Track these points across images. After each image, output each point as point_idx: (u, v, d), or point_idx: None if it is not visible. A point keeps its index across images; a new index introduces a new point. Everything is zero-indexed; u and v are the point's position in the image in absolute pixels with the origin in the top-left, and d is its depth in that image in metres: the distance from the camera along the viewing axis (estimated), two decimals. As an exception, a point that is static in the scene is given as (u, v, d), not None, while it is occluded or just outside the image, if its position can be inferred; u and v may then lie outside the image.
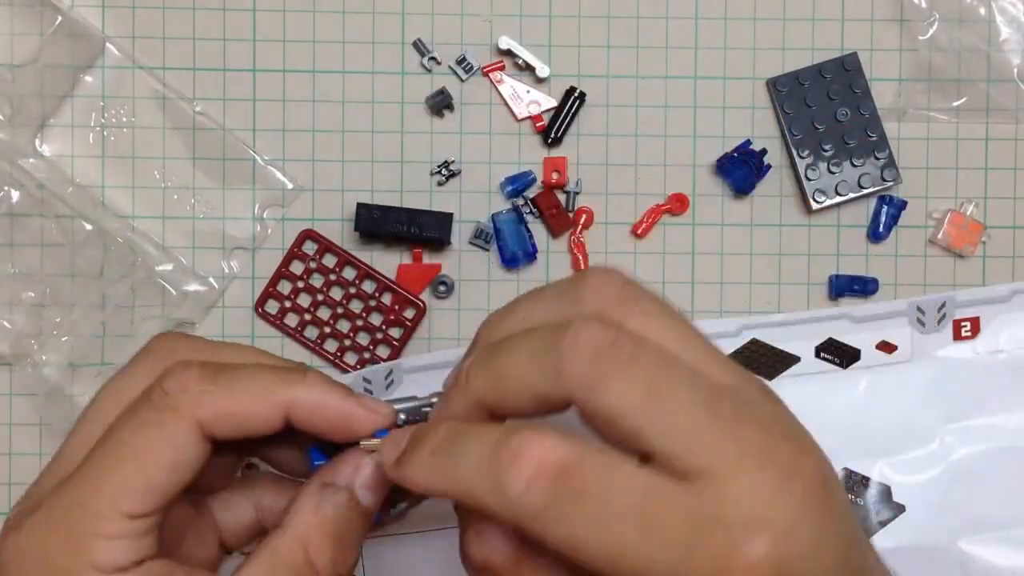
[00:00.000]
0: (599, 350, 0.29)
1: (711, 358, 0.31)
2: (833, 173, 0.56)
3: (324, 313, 0.56)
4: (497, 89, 0.56)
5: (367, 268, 0.56)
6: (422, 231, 0.55)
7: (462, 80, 0.56)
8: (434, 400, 0.35)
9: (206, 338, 0.38)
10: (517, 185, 0.56)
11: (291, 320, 0.56)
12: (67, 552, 0.32)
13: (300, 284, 0.56)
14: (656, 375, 0.29)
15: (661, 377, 0.29)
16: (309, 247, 0.56)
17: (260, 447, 0.37)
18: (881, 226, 0.56)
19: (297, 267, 0.56)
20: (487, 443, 0.30)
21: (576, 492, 0.28)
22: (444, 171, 0.56)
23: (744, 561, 0.27)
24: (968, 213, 0.56)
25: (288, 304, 0.56)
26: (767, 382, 0.34)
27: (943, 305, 0.55)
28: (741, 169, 0.55)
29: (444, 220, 0.55)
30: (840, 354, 0.55)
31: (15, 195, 0.55)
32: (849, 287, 0.56)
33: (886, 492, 0.55)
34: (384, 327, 0.56)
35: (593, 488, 0.28)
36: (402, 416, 0.35)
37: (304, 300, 0.56)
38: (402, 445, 0.32)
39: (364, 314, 0.56)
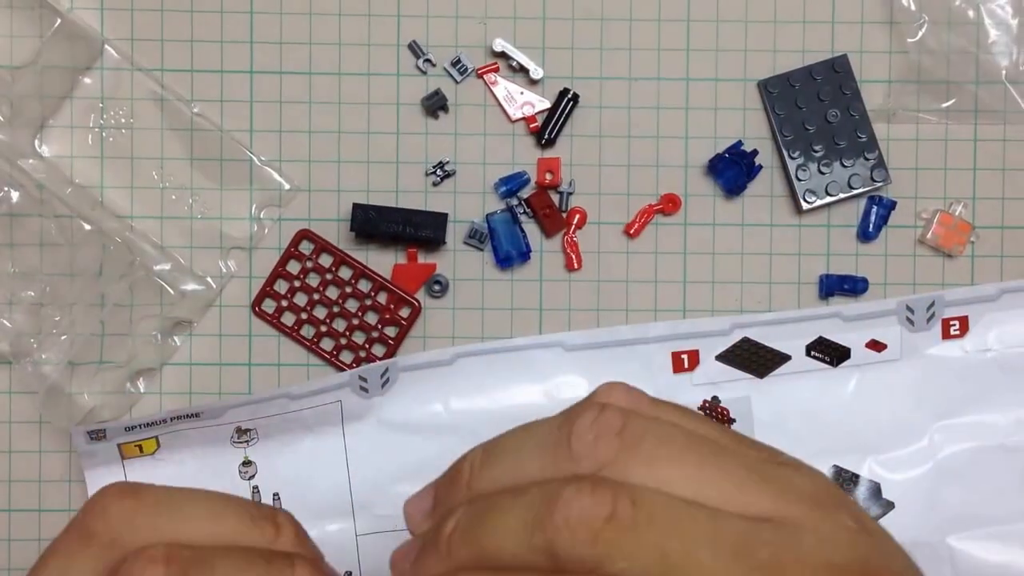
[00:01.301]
0: (595, 527, 0.25)
1: (742, 483, 0.26)
2: (823, 173, 0.56)
3: (320, 312, 0.56)
4: (491, 91, 0.56)
5: (363, 267, 0.56)
6: (417, 231, 0.55)
7: (457, 82, 0.56)
8: None
9: (154, 488, 0.30)
10: (511, 185, 0.56)
11: (288, 319, 0.57)
12: None
13: (297, 283, 0.56)
14: (668, 539, 0.25)
15: (674, 540, 0.25)
16: (305, 247, 0.56)
17: None
18: (871, 226, 0.56)
19: (294, 267, 0.56)
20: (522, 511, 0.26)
21: None
22: (439, 171, 0.56)
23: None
24: (957, 213, 0.57)
25: (285, 303, 0.56)
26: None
27: (932, 304, 0.55)
28: (732, 169, 0.56)
29: (439, 220, 0.55)
30: (830, 353, 0.55)
31: (15, 195, 0.55)
32: (839, 286, 0.57)
33: (875, 489, 0.55)
34: (379, 326, 0.56)
35: None
36: None
37: (301, 299, 0.57)
38: (409, 557, 0.29)
39: (360, 313, 0.56)
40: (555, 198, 0.56)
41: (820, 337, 0.55)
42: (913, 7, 0.56)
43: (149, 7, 0.56)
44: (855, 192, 0.56)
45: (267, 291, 0.56)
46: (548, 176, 0.56)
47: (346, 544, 0.55)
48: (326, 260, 0.56)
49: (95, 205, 0.56)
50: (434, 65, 0.56)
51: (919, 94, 0.56)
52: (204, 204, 0.56)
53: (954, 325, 0.56)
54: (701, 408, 0.56)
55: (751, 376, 0.55)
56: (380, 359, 0.56)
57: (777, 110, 0.56)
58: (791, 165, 0.56)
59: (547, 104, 0.56)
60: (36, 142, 0.56)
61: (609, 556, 0.25)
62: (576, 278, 0.57)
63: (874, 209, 0.56)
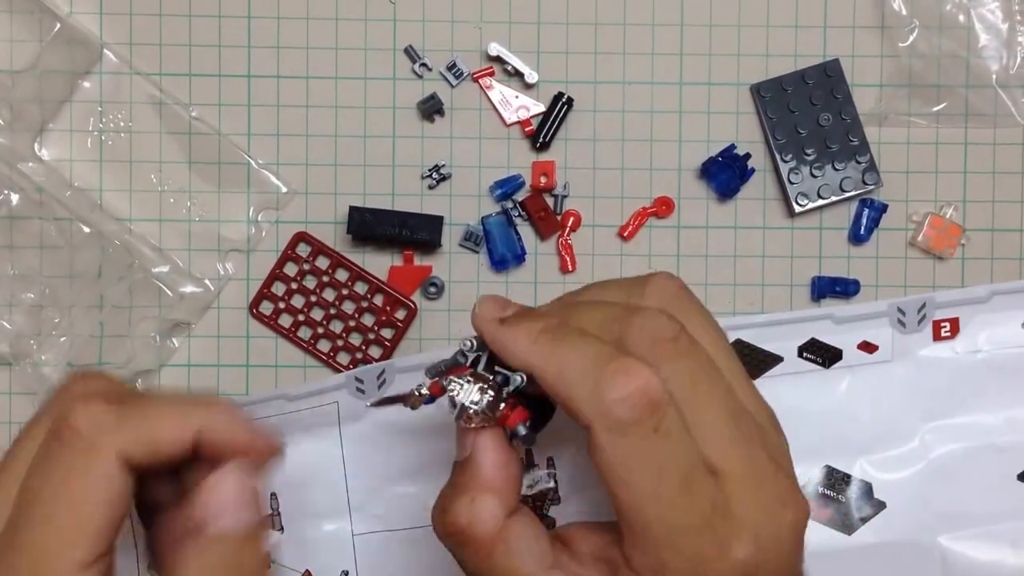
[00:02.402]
0: (662, 338, 0.34)
1: (742, 380, 0.36)
2: (815, 177, 0.56)
3: (317, 314, 0.57)
4: (487, 94, 0.57)
5: (359, 270, 0.56)
6: (413, 233, 0.55)
7: (452, 86, 0.57)
8: (461, 354, 0.38)
9: (115, 377, 0.37)
10: (506, 188, 0.56)
11: (285, 321, 0.57)
12: None
13: (294, 285, 0.57)
14: (700, 375, 0.34)
15: (703, 379, 0.34)
16: (303, 249, 0.57)
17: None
18: (862, 228, 0.57)
19: (291, 269, 0.57)
20: (601, 350, 0.33)
21: (653, 429, 0.32)
22: (435, 175, 0.56)
23: (730, 554, 0.33)
24: (947, 216, 0.57)
25: (282, 305, 0.57)
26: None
27: (923, 306, 0.55)
28: (725, 173, 0.56)
29: (435, 223, 0.55)
30: (822, 354, 0.56)
31: (15, 198, 0.55)
32: (831, 288, 0.57)
33: (867, 489, 0.56)
34: (376, 327, 0.57)
35: (665, 433, 0.32)
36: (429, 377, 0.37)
37: (298, 301, 0.57)
38: (506, 311, 0.36)
39: (356, 315, 0.57)
40: (550, 201, 0.57)
41: (812, 339, 0.55)
42: (904, 12, 0.56)
43: (148, 12, 0.56)
44: (847, 195, 0.56)
45: (264, 293, 0.57)
46: (543, 179, 0.56)
47: (343, 544, 0.55)
48: (323, 262, 0.57)
49: (94, 208, 0.56)
50: (430, 69, 0.57)
51: (910, 98, 0.57)
52: (202, 207, 0.57)
53: (945, 327, 0.56)
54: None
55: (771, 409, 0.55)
56: (376, 360, 0.56)
57: (770, 114, 0.56)
58: (783, 168, 0.56)
59: (542, 108, 0.56)
60: (36, 146, 0.56)
61: (661, 359, 0.33)
62: (571, 280, 0.57)
63: (865, 212, 0.57)
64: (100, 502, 0.32)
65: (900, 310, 0.55)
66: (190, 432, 0.34)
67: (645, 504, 0.32)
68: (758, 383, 0.55)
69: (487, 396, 0.36)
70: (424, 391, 0.38)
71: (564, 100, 0.56)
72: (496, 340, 0.35)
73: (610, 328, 0.34)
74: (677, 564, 0.32)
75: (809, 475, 0.55)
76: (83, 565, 0.31)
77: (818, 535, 0.55)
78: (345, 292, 0.57)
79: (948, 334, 0.56)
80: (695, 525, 0.32)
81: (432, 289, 0.57)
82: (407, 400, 0.38)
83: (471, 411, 0.36)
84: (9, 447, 0.34)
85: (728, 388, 0.35)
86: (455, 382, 0.36)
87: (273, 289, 0.57)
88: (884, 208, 0.57)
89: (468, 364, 0.38)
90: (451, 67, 0.56)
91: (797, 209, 0.56)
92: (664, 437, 0.32)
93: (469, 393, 0.36)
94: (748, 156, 0.56)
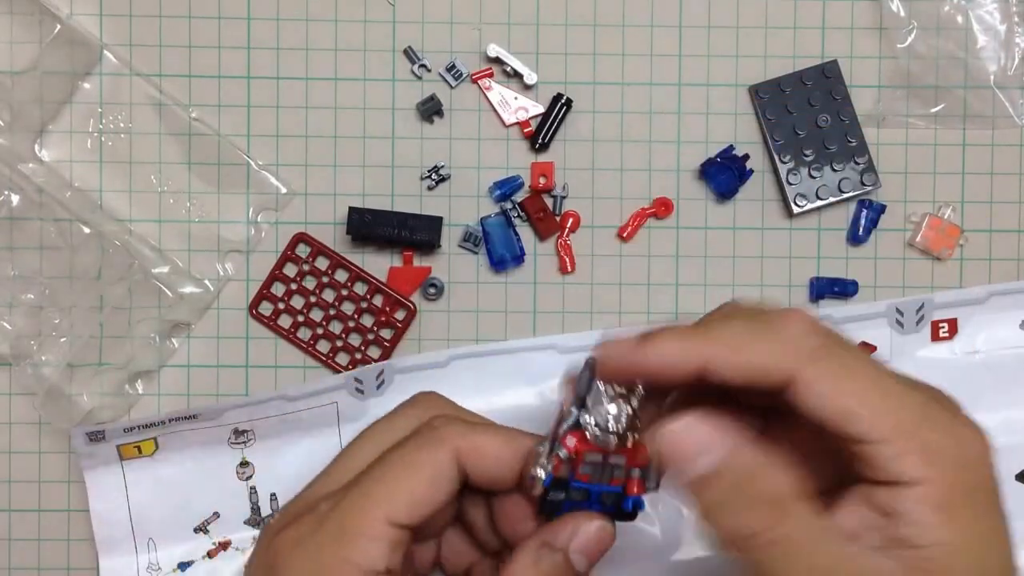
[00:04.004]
0: (820, 329, 0.35)
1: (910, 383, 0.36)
2: (814, 178, 0.56)
3: (317, 315, 0.57)
4: (486, 95, 0.57)
5: (359, 270, 0.56)
6: (412, 234, 0.55)
7: (451, 87, 0.57)
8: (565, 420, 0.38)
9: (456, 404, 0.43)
10: (505, 189, 0.57)
11: (284, 321, 0.57)
12: (333, 546, 0.36)
13: (293, 286, 0.57)
14: (873, 368, 0.34)
15: (876, 371, 0.34)
16: (302, 250, 0.57)
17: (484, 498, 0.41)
18: (861, 229, 0.57)
19: (290, 269, 0.57)
20: (747, 319, 0.35)
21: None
22: (434, 176, 0.56)
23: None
24: (945, 217, 0.57)
25: (281, 306, 0.57)
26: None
27: (921, 307, 0.56)
28: (724, 174, 0.56)
29: (434, 224, 0.55)
30: (821, 354, 0.56)
31: (15, 199, 0.55)
32: (829, 289, 0.57)
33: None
34: (375, 328, 0.57)
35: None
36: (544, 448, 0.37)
37: (297, 302, 0.57)
38: (629, 342, 0.36)
39: (356, 315, 0.57)
40: (549, 202, 0.57)
41: (811, 339, 0.55)
42: (903, 13, 0.56)
43: (148, 13, 0.56)
44: (845, 196, 0.56)
45: (264, 294, 0.57)
46: (542, 180, 0.56)
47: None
48: (322, 263, 0.57)
49: (94, 209, 0.56)
50: (429, 70, 0.57)
51: (908, 99, 0.57)
52: (202, 208, 0.57)
53: (943, 327, 0.56)
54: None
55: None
56: (376, 361, 0.56)
57: (768, 115, 0.56)
58: (782, 169, 0.56)
59: (541, 109, 0.56)
60: (36, 147, 0.56)
61: (829, 348, 0.34)
62: (570, 281, 0.57)
63: (864, 213, 0.57)
64: (425, 478, 0.37)
65: (898, 311, 0.56)
66: (518, 453, 0.38)
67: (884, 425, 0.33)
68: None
69: (624, 412, 0.37)
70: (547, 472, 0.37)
71: (563, 101, 0.56)
72: (646, 356, 0.35)
73: (761, 334, 0.35)
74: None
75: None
76: (389, 521, 0.36)
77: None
78: (344, 293, 0.57)
79: (946, 335, 0.56)
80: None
81: (431, 290, 0.57)
82: (533, 488, 0.38)
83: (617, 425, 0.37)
84: (369, 426, 0.41)
85: (906, 384, 0.35)
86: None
87: (273, 290, 0.57)
88: (882, 209, 0.57)
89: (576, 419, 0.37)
90: (450, 68, 0.56)
91: (795, 210, 0.56)
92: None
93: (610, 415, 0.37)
94: (747, 157, 0.57)
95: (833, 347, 0.34)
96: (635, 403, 0.37)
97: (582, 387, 0.37)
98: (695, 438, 0.35)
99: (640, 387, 0.38)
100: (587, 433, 0.37)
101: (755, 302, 0.38)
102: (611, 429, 0.37)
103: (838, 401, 0.33)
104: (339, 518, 0.36)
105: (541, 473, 0.37)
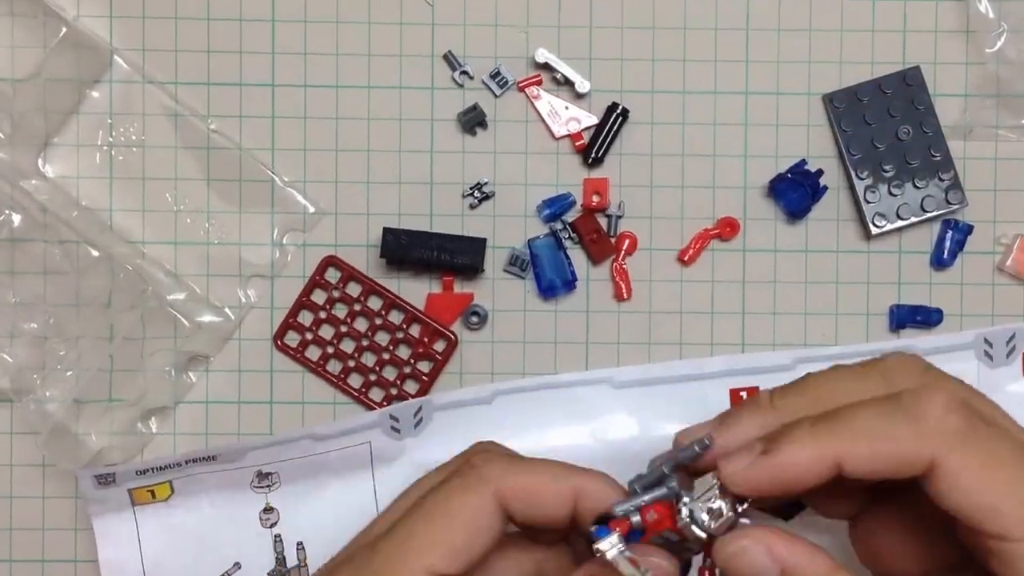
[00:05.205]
0: (963, 407, 0.33)
1: None
2: (894, 195, 0.55)
3: (348, 346, 0.56)
4: (534, 105, 0.56)
5: (394, 297, 0.55)
6: (453, 258, 0.54)
7: (496, 95, 0.56)
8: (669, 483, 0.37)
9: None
10: (555, 208, 0.55)
11: (312, 353, 0.56)
12: None
13: (322, 314, 0.56)
14: (1021, 452, 0.33)
15: (986, 435, 0.33)
16: (332, 275, 0.56)
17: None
18: (946, 252, 0.56)
19: (319, 296, 0.56)
20: (879, 403, 0.34)
21: (977, 422, 0.34)
22: (477, 193, 0.56)
23: None
24: (1039, 238, 0.56)
25: (309, 336, 0.56)
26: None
27: (1012, 337, 0.54)
28: (795, 191, 0.55)
29: (477, 246, 0.55)
30: (902, 389, 0.54)
31: (16, 219, 0.55)
32: (911, 318, 0.56)
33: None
34: (412, 361, 0.56)
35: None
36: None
37: (326, 332, 0.56)
38: (752, 451, 0.35)
39: (391, 347, 0.56)
40: (603, 222, 0.56)
41: (891, 373, 0.54)
42: (991, 15, 0.55)
43: (162, 15, 0.56)
44: (928, 215, 0.55)
45: (290, 323, 0.56)
46: (595, 198, 0.55)
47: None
48: (354, 289, 0.56)
49: (103, 229, 0.56)
50: (471, 77, 0.56)
51: (998, 109, 0.55)
52: (222, 228, 0.56)
53: (1037, 360, 0.56)
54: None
55: None
56: (413, 397, 0.56)
57: (844, 126, 0.55)
58: (859, 186, 0.55)
59: (594, 120, 0.56)
60: (39, 161, 0.56)
61: (975, 431, 0.33)
62: (625, 309, 0.56)
63: (949, 234, 0.56)
64: (465, 522, 0.37)
65: (987, 341, 0.54)
66: (566, 491, 0.37)
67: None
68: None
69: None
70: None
71: (619, 111, 0.55)
72: (782, 469, 0.34)
73: (894, 419, 0.34)
74: None
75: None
76: (428, 571, 0.36)
77: None
78: (378, 322, 0.55)
79: (1040, 368, 0.56)
80: None
81: (474, 318, 0.55)
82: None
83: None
84: (421, 477, 0.41)
85: None
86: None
87: (299, 318, 0.56)
88: (969, 230, 0.56)
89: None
90: (495, 75, 0.55)
91: (874, 231, 0.55)
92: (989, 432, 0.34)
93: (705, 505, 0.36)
94: (820, 173, 0.55)
95: (978, 428, 0.33)
96: (740, 509, 0.35)
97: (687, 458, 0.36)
98: (750, 559, 0.34)
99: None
100: (679, 515, 0.35)
101: (857, 364, 0.38)
102: (706, 526, 0.35)
103: (984, 497, 0.33)
104: (375, 569, 0.37)
105: (606, 546, 0.35)
